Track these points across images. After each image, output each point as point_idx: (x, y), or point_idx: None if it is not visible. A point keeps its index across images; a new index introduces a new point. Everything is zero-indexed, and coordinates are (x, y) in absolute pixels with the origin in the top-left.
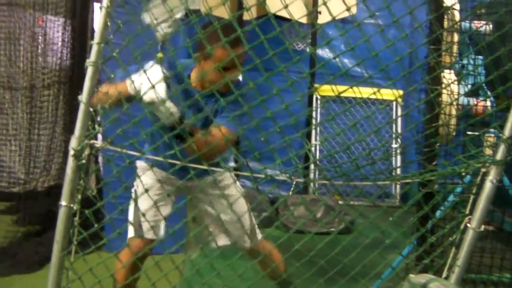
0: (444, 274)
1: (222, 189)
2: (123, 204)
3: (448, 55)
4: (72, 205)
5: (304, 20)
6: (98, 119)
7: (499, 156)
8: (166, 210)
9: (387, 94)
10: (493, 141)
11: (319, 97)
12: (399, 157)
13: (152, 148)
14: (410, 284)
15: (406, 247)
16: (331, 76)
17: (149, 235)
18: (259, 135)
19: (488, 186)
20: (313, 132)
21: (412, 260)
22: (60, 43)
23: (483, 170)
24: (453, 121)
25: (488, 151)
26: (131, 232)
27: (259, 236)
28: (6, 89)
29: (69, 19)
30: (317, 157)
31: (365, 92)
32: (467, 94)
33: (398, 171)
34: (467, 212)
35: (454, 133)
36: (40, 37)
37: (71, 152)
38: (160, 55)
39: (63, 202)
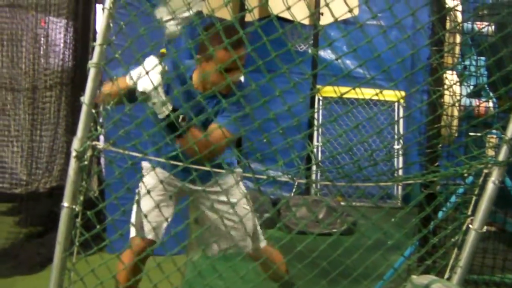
0: (446, 275)
1: (224, 192)
2: (125, 206)
3: (450, 56)
4: (74, 207)
5: (306, 22)
6: (100, 120)
7: (501, 157)
8: (168, 211)
9: (389, 95)
10: (495, 142)
11: (321, 98)
12: (401, 158)
13: (154, 149)
14: (412, 285)
15: (408, 248)
16: (333, 77)
17: (150, 235)
18: (261, 136)
19: (490, 187)
20: (315, 133)
21: (414, 261)
22: (62, 45)
23: (485, 171)
24: (455, 122)
25: (491, 152)
26: (132, 232)
27: (263, 241)
28: (8, 90)
29: (71, 21)
30: (319, 158)
31: (367, 93)
32: (469, 95)
33: (400, 172)
34: (469, 213)
35: (456, 134)
36: (42, 39)
37: (73, 154)
38: (163, 50)
39: (65, 203)
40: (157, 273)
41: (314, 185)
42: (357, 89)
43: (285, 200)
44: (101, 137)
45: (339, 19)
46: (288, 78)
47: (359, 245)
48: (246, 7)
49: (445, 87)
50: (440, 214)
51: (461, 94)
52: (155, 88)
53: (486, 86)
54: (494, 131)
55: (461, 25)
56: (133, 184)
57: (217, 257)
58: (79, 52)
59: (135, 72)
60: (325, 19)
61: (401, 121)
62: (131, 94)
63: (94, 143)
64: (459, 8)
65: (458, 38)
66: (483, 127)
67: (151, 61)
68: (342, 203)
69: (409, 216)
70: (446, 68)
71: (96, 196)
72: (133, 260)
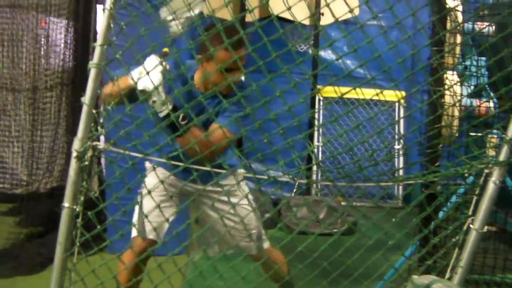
0: (447, 275)
1: (226, 193)
2: (126, 206)
3: (451, 57)
4: (74, 207)
5: (306, 22)
6: (101, 120)
7: (502, 157)
8: (170, 211)
9: (390, 95)
10: (496, 142)
11: (321, 98)
12: (401, 158)
13: (155, 149)
14: (413, 285)
15: (409, 248)
16: (333, 77)
17: (151, 236)
18: (262, 137)
19: (491, 187)
20: (316, 133)
21: (415, 261)
22: (62, 45)
23: (486, 171)
24: (456, 122)
25: (491, 152)
26: (134, 232)
27: (266, 242)
28: (8, 91)
29: (71, 21)
30: (320, 158)
31: (368, 93)
32: (470, 95)
33: (401, 172)
34: (470, 213)
35: (457, 134)
36: (42, 39)
37: (74, 154)
38: (166, 49)
39: (66, 204)
40: (158, 274)
41: (314, 185)
42: (358, 89)
43: (286, 200)
44: (102, 138)
45: (339, 19)
46: (289, 78)
47: (360, 245)
48: (246, 8)
49: (446, 87)
50: (440, 214)
51: (461, 94)
52: (156, 87)
53: (486, 86)
54: (494, 131)
55: (461, 25)
56: (134, 185)
57: (218, 257)
58: (80, 53)
59: (136, 71)
60: (326, 20)
61: (401, 121)
62: (133, 94)
63: (94, 143)
64: (460, 8)
65: (458, 38)
66: (483, 127)
67: (153, 60)
68: (343, 203)
69: (409, 216)
70: (447, 68)
71: (97, 197)
72: (134, 261)
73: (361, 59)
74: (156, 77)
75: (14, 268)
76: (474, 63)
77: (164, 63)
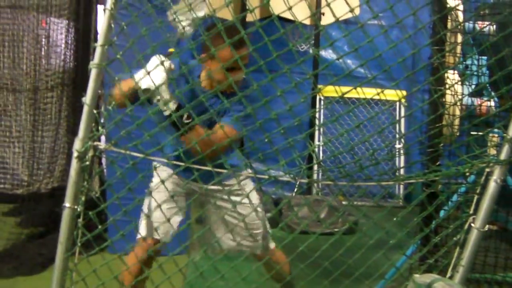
0: (449, 274)
1: (229, 193)
2: (127, 206)
3: (451, 56)
4: (75, 207)
5: (307, 22)
6: (102, 120)
7: (503, 156)
8: (178, 211)
9: (391, 94)
10: (497, 141)
11: (322, 98)
12: (402, 158)
13: (156, 148)
14: (415, 284)
15: (410, 247)
16: (334, 77)
17: (158, 236)
18: (262, 136)
19: (492, 185)
20: (317, 133)
21: (416, 260)
22: (63, 45)
23: (487, 170)
24: (457, 121)
25: (492, 151)
26: (142, 232)
27: (272, 242)
28: (9, 91)
29: (72, 21)
30: (321, 158)
31: (369, 92)
32: (471, 95)
33: (402, 171)
34: (471, 212)
35: (457, 133)
36: (43, 39)
37: (75, 154)
38: (172, 50)
39: (67, 204)
40: (159, 274)
41: (315, 184)
42: (358, 89)
43: (287, 199)
44: (103, 138)
45: (340, 19)
46: (290, 78)
47: (361, 244)
48: (247, 8)
49: (447, 86)
50: (442, 213)
51: (462, 94)
52: (159, 85)
53: (487, 85)
54: (495, 130)
55: (462, 24)
56: (135, 184)
57: (219, 257)
58: (80, 53)
59: (142, 72)
60: (326, 19)
61: (402, 120)
62: (138, 95)
63: (95, 143)
64: (460, 7)
65: (459, 38)
66: (484, 126)
67: (155, 59)
68: (344, 203)
69: (411, 215)
70: (448, 68)
71: (98, 197)
72: (140, 260)
73: (361, 58)
74: (160, 76)
75: (15, 269)
76: (475, 62)
77: (169, 62)
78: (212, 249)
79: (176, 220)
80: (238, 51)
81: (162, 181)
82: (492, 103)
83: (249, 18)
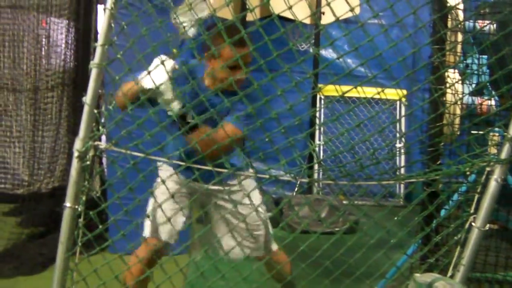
0: (449, 273)
1: (231, 193)
2: (127, 206)
3: (452, 55)
4: (76, 207)
5: (307, 21)
6: (102, 120)
7: (503, 155)
8: (183, 212)
9: (391, 93)
10: (497, 140)
11: (322, 97)
12: (403, 157)
13: (157, 148)
14: (415, 283)
15: (411, 247)
16: (334, 76)
17: (164, 236)
18: (263, 136)
19: (492, 185)
20: (317, 132)
21: (417, 260)
22: (63, 45)
23: (487, 169)
24: (457, 120)
25: (493, 150)
26: (147, 232)
27: (274, 243)
28: (10, 91)
29: (72, 21)
30: (321, 157)
31: (369, 92)
32: (471, 94)
33: (403, 170)
34: (472, 211)
35: (458, 132)
36: (43, 39)
37: (75, 154)
38: (175, 50)
39: (68, 204)
40: (160, 274)
41: (316, 184)
42: (359, 88)
43: (288, 199)
44: (103, 137)
45: (340, 18)
46: (290, 77)
47: (362, 243)
48: (247, 7)
49: (447, 85)
50: (442, 212)
51: (463, 93)
52: (162, 84)
53: (488, 84)
54: (496, 129)
55: (462, 23)
56: (135, 184)
57: (220, 257)
58: (81, 53)
59: (145, 72)
60: (326, 18)
61: (403, 119)
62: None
63: (96, 143)
64: (461, 6)
65: (459, 37)
66: (485, 125)
67: (158, 59)
68: (345, 202)
69: (411, 215)
70: (448, 67)
71: (98, 196)
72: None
73: (362, 57)
74: (164, 75)
75: (16, 268)
76: (475, 61)
77: (173, 62)
78: (213, 250)
79: (180, 220)
80: (241, 50)
81: (163, 181)
82: (493, 102)
83: (249, 17)
